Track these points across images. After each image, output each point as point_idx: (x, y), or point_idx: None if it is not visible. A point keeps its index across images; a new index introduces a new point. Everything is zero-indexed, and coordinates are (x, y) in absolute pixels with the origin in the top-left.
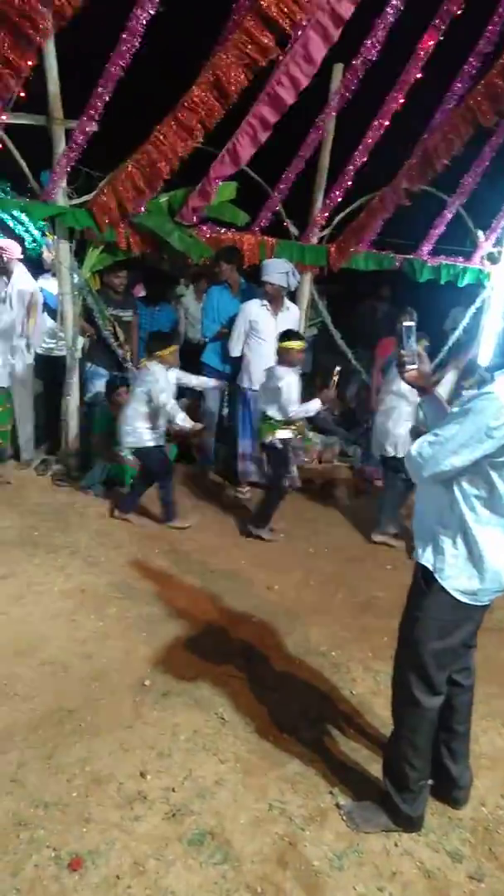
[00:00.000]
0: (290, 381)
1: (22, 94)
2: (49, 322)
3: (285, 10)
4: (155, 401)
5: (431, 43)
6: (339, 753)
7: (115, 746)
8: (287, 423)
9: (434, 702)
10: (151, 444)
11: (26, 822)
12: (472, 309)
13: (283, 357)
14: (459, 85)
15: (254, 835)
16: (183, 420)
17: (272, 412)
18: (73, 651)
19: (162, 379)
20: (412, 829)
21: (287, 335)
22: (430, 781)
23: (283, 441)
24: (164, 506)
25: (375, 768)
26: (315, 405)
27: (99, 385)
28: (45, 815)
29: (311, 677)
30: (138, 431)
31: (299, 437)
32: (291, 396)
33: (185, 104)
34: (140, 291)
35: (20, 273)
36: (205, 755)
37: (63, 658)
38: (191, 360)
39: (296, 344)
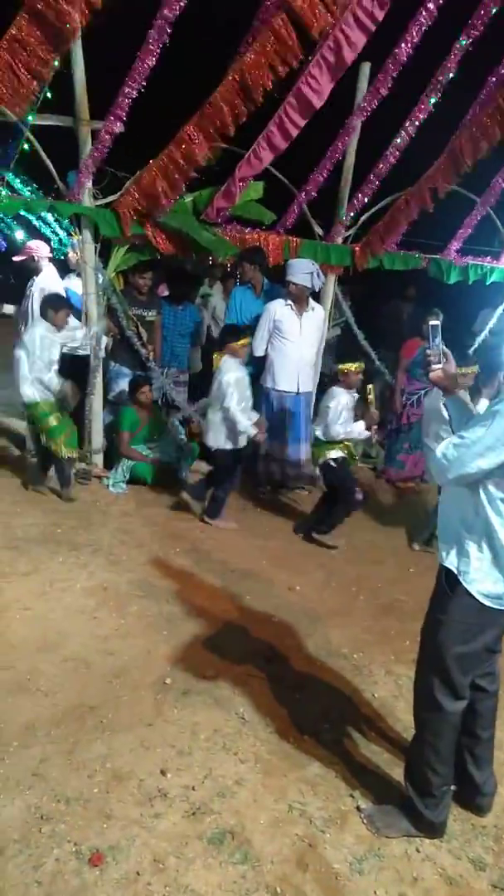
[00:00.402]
0: (339, 402)
1: (49, 96)
2: (73, 322)
3: (316, 10)
4: (222, 399)
5: (465, 41)
6: (360, 756)
7: (136, 744)
8: (335, 442)
9: (457, 706)
10: (228, 446)
11: (48, 817)
12: (501, 309)
13: (342, 379)
14: (494, 79)
15: (273, 835)
16: (246, 428)
17: (319, 432)
18: (95, 648)
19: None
20: (434, 835)
21: (343, 357)
22: (452, 787)
23: (337, 460)
24: (213, 501)
25: (397, 772)
26: (360, 427)
27: (123, 384)
28: (66, 809)
29: (332, 679)
30: (215, 432)
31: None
32: (336, 418)
33: (211, 104)
34: (164, 291)
35: (48, 273)
36: (225, 754)
37: (85, 654)
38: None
39: (352, 366)
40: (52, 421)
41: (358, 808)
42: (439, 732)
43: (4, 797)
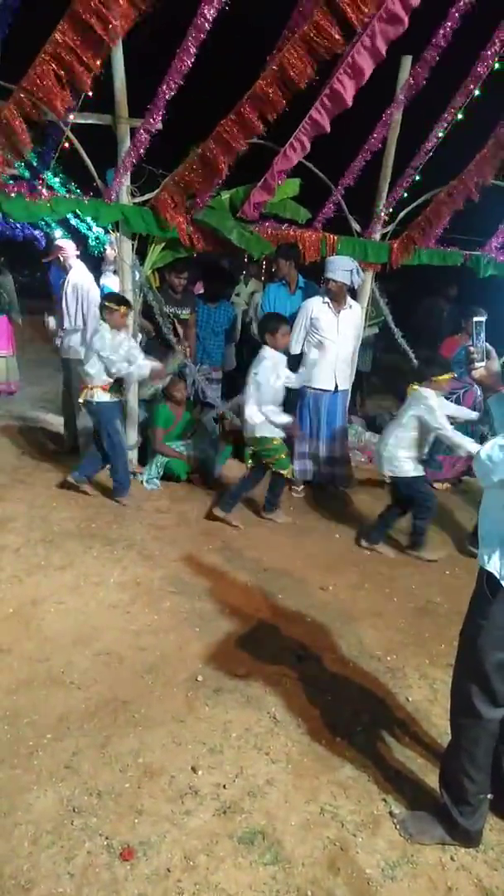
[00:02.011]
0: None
1: (89, 94)
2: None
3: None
4: (430, 427)
5: None
6: (393, 760)
7: (168, 739)
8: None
9: (496, 714)
10: (414, 473)
11: (80, 809)
12: None
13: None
14: None
15: (304, 837)
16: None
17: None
18: (128, 643)
19: (437, 407)
20: (470, 844)
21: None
22: (489, 795)
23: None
24: (414, 533)
25: (431, 778)
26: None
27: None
28: (98, 803)
29: (364, 681)
30: (399, 460)
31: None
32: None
33: (249, 98)
34: (199, 289)
35: (78, 269)
36: (256, 754)
37: (118, 649)
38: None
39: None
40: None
41: (391, 813)
42: (476, 740)
43: (38, 788)
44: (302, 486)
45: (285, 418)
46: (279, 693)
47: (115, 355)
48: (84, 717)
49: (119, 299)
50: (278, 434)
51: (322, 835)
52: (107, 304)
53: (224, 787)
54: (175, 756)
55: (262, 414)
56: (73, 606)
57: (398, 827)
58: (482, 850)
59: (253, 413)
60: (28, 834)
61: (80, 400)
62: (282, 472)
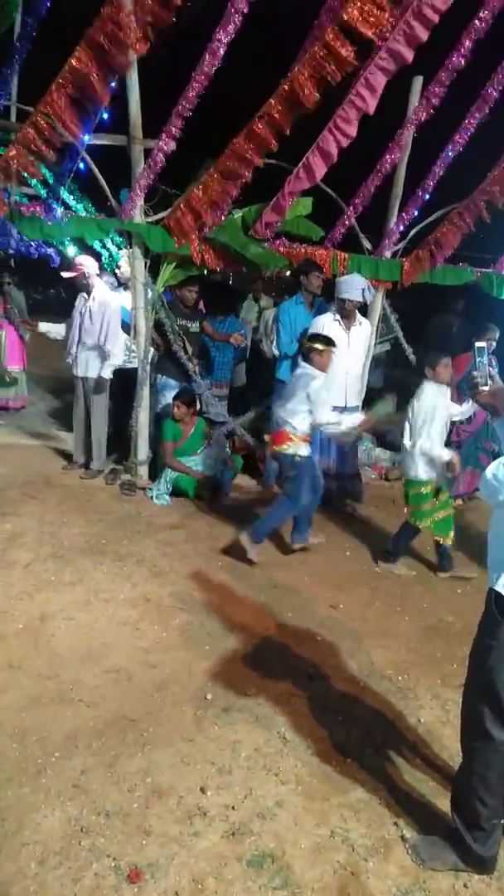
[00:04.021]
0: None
1: (104, 116)
2: (122, 335)
3: (370, 20)
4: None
5: None
6: (405, 783)
7: (176, 759)
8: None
9: None
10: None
11: (88, 829)
12: None
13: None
14: None
15: (315, 861)
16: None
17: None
18: (137, 660)
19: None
20: (483, 871)
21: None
22: (503, 821)
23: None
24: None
25: (444, 802)
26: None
27: (169, 397)
28: (106, 823)
29: (375, 702)
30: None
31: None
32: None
33: (261, 118)
34: (202, 307)
35: (101, 287)
36: (265, 775)
37: (127, 666)
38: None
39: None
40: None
41: (402, 838)
42: (489, 763)
43: (45, 808)
44: None
45: (447, 454)
46: (289, 713)
47: (326, 405)
48: (92, 736)
49: (327, 340)
50: (434, 476)
51: (332, 859)
52: (315, 345)
53: (233, 808)
54: (184, 776)
55: (426, 450)
56: (82, 623)
57: (410, 852)
58: (496, 876)
59: (428, 448)
60: (35, 854)
61: (279, 451)
62: (439, 537)
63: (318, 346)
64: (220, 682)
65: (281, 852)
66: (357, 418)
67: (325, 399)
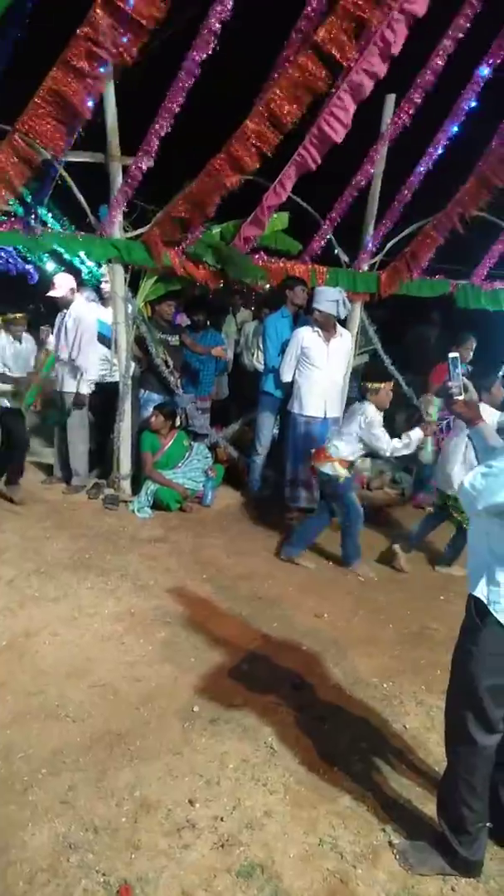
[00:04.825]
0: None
1: (81, 133)
2: (102, 350)
3: (340, 43)
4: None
5: (487, 70)
6: (391, 790)
7: (164, 772)
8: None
9: (491, 740)
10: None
11: (76, 846)
12: None
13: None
14: None
15: (304, 870)
16: None
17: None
18: (123, 674)
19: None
20: (470, 874)
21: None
22: (488, 824)
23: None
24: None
25: (430, 807)
26: (417, 434)
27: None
28: (94, 838)
29: (361, 709)
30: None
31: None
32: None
33: (238, 137)
34: (184, 320)
35: (80, 302)
36: (253, 785)
37: (112, 681)
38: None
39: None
40: None
41: (390, 844)
42: (473, 767)
43: (33, 825)
44: (296, 514)
45: (415, 432)
46: (275, 723)
47: (384, 436)
48: (79, 751)
49: (382, 375)
50: None
51: (321, 867)
52: (368, 385)
53: (221, 819)
54: (172, 789)
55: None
56: (67, 638)
57: (398, 857)
58: (483, 880)
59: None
60: (23, 872)
61: (316, 466)
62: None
63: (370, 385)
64: (206, 694)
65: (270, 862)
66: (417, 433)
67: (383, 429)
